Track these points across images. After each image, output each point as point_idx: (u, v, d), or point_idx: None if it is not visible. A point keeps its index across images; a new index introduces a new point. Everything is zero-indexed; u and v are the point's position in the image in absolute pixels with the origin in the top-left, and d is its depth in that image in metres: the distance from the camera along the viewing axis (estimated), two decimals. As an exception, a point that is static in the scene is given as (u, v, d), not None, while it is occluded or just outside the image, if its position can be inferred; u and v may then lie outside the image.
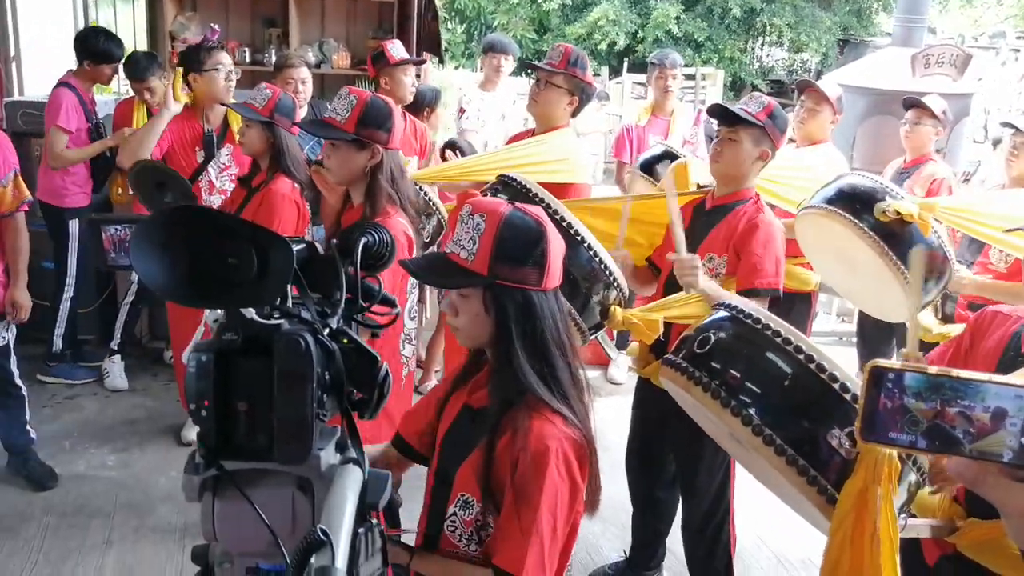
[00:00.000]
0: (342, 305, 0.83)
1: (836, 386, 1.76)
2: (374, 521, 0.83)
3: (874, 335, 4.85)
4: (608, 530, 3.61)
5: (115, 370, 4.77)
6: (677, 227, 2.66)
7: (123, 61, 4.59)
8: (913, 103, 4.51)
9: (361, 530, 0.80)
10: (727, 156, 2.81)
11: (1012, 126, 3.46)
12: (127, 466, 4.01)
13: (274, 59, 5.23)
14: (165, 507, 3.69)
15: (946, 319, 3.35)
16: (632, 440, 3.25)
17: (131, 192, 4.09)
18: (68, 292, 4.64)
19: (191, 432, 4.22)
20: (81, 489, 3.78)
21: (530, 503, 1.52)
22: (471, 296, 1.61)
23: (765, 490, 2.34)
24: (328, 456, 0.85)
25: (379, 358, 0.86)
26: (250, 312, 0.79)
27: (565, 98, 3.43)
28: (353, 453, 0.85)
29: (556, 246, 1.62)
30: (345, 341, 0.82)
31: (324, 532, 0.69)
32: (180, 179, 3.57)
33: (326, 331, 0.80)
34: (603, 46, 15.63)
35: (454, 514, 1.62)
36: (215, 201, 3.94)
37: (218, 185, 3.87)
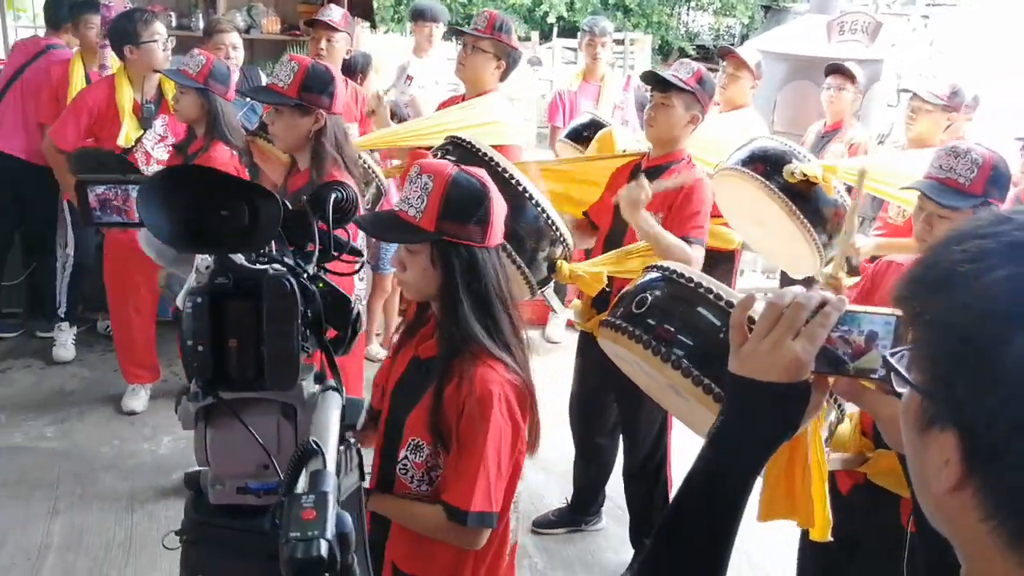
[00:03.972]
0: (316, 254, 0.93)
1: None
2: (351, 440, 0.94)
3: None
4: (551, 479, 3.78)
5: (63, 339, 4.66)
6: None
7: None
8: (835, 69, 4.71)
9: (341, 448, 0.92)
10: (661, 120, 2.97)
11: (909, 91, 3.69)
12: (67, 436, 4.00)
13: (201, 24, 5.18)
14: (109, 475, 3.71)
15: (852, 272, 3.58)
16: (575, 389, 3.42)
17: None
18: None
19: (132, 401, 4.23)
20: (20, 460, 3.77)
21: (476, 443, 1.65)
22: (419, 252, 1.72)
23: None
24: (309, 386, 0.96)
25: (351, 300, 0.97)
26: (240, 259, 0.88)
27: (492, 63, 3.53)
28: (332, 382, 0.96)
29: (498, 205, 1.73)
30: (320, 285, 0.92)
31: (315, 443, 0.80)
32: (115, 157, 3.59)
33: (304, 276, 0.90)
34: (550, 17, 15.62)
35: (405, 458, 1.74)
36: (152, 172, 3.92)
37: (155, 156, 3.86)
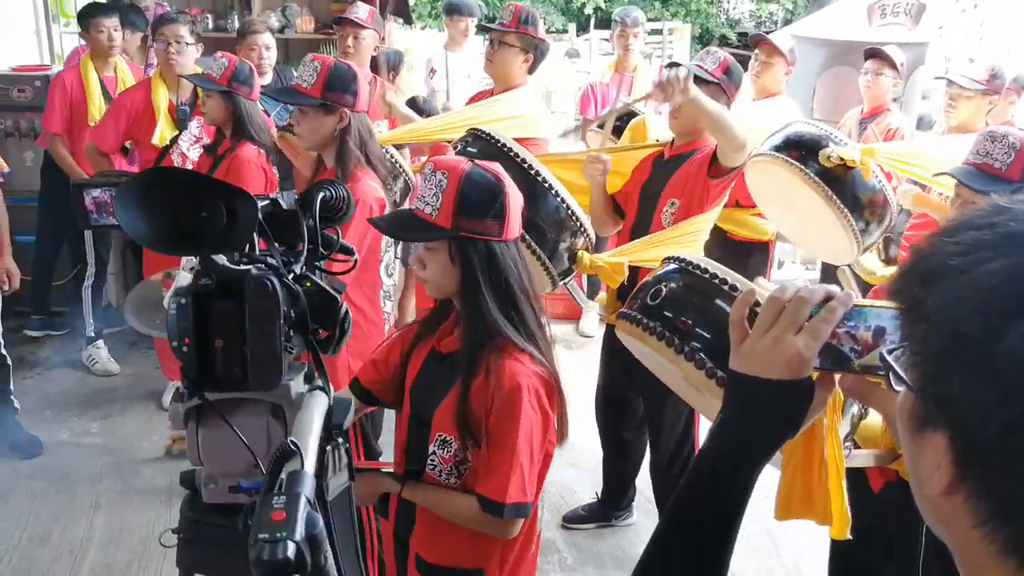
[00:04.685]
0: (304, 253, 0.93)
1: None
2: (340, 440, 0.95)
3: (837, 282, 4.99)
4: (581, 475, 3.76)
5: (101, 355, 4.72)
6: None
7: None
8: (874, 53, 4.60)
9: (329, 448, 0.92)
10: (685, 112, 2.93)
11: (943, 78, 3.60)
12: (110, 432, 4.10)
13: (237, 25, 5.24)
14: (150, 470, 3.79)
15: (889, 261, 3.49)
16: (601, 383, 3.40)
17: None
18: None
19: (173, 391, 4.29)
20: (66, 456, 3.87)
21: (508, 436, 1.66)
22: (438, 249, 1.72)
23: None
24: (297, 386, 0.96)
25: (340, 299, 0.97)
26: (222, 259, 0.89)
27: (519, 56, 3.52)
28: (320, 382, 0.96)
29: (515, 199, 1.73)
30: (308, 284, 0.92)
31: (294, 444, 0.80)
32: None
33: (290, 276, 0.91)
34: (587, 8, 15.52)
35: (434, 453, 1.76)
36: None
37: (191, 157, 3.92)
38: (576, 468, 3.79)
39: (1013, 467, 0.60)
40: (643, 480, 3.46)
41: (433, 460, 1.76)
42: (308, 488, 0.75)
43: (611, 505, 3.51)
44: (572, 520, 3.49)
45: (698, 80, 2.88)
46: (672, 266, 2.04)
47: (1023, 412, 0.58)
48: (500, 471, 1.66)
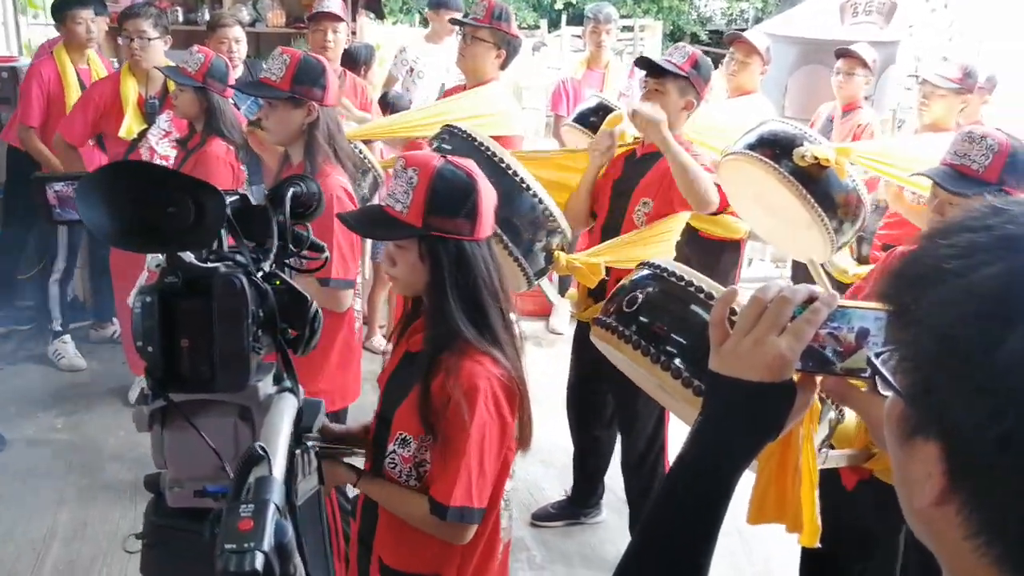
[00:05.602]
0: (274, 251, 0.91)
1: None
2: (310, 444, 0.93)
3: (807, 280, 5.03)
4: (550, 472, 3.76)
5: (68, 350, 4.63)
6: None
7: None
8: (844, 53, 4.63)
9: (298, 451, 0.90)
10: (659, 106, 2.92)
11: (918, 76, 3.64)
12: (76, 428, 4.04)
13: (207, 18, 5.18)
14: (115, 465, 3.74)
15: (862, 260, 3.52)
16: (571, 381, 3.39)
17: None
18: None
19: (138, 392, 4.24)
20: (31, 452, 3.81)
21: (459, 438, 1.63)
22: (407, 247, 1.69)
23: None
24: (266, 387, 0.94)
25: (309, 298, 0.94)
26: (189, 256, 0.87)
27: (492, 52, 3.49)
28: (288, 383, 0.94)
29: (487, 197, 1.70)
30: (277, 283, 0.90)
31: (262, 448, 0.78)
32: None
33: (259, 274, 0.88)
34: (558, 3, 15.51)
35: (393, 451, 1.73)
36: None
37: (159, 151, 3.86)
38: (545, 465, 3.78)
39: (1011, 478, 0.57)
40: (612, 478, 3.46)
41: (393, 459, 1.73)
42: (277, 495, 0.72)
43: (580, 503, 3.50)
44: (541, 518, 3.48)
45: (667, 73, 2.88)
46: (646, 272, 2.02)
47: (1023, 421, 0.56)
48: (448, 473, 1.64)
